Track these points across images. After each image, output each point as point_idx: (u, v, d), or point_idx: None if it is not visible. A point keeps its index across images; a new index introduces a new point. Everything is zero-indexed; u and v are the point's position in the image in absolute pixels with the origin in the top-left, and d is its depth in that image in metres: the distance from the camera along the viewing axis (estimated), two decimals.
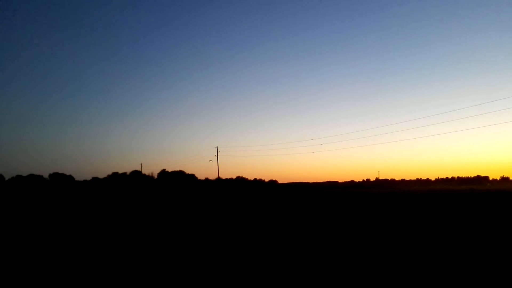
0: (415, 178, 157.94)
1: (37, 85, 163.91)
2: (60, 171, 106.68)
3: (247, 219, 12.76)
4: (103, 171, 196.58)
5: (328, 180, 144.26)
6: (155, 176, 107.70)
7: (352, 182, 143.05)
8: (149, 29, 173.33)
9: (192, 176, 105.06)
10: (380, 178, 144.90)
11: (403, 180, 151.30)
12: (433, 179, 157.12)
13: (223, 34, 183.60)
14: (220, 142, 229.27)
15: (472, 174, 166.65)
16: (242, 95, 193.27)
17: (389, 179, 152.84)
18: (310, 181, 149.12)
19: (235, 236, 8.79)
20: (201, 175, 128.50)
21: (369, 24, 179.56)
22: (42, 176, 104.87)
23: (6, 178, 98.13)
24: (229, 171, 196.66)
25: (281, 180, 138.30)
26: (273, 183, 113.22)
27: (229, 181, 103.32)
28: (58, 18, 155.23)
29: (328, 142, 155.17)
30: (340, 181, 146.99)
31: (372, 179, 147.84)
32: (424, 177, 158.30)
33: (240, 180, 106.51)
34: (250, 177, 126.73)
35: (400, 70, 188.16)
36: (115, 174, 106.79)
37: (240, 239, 8.19)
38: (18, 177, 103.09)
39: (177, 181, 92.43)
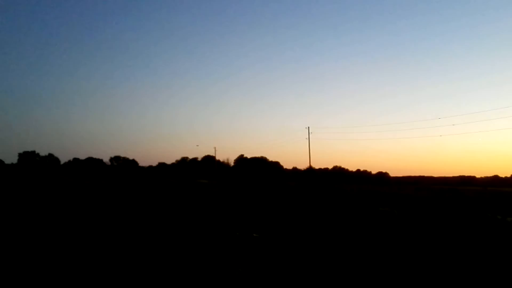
0: None
1: (93, 60, 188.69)
2: (123, 155, 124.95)
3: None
4: (171, 156, 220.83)
5: (460, 174, 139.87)
6: (231, 163, 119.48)
7: (495, 177, 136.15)
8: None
9: (276, 165, 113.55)
10: None
11: None
12: None
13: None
14: (312, 121, 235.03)
15: None
16: (340, 61, 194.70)
17: None
18: (435, 174, 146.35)
19: None
20: (287, 164, 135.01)
21: None
22: (101, 160, 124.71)
23: (62, 162, 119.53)
24: (323, 159, 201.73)
25: (393, 172, 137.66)
26: (382, 176, 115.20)
27: (324, 172, 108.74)
28: None
29: (462, 123, 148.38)
30: (477, 176, 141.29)
31: None
32: None
33: (338, 172, 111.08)
34: (351, 167, 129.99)
35: None
36: (184, 160, 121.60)
37: None
38: (75, 160, 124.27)
39: (258, 171, 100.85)
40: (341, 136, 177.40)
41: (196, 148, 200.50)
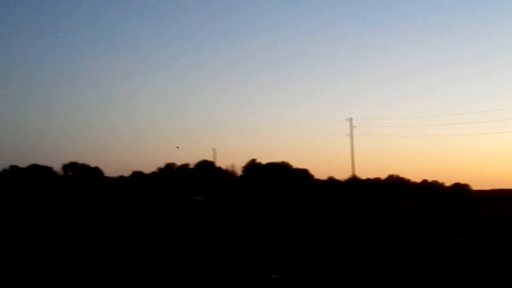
0: None
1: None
2: (81, 162, 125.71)
3: None
4: (151, 162, 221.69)
5: None
6: (238, 172, 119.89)
7: None
8: None
9: (304, 174, 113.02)
10: None
11: None
12: None
13: None
14: (356, 111, 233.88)
15: None
16: (395, 24, 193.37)
17: None
18: None
19: None
20: (320, 172, 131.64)
21: None
22: (50, 168, 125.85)
23: None
24: (373, 165, 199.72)
25: (476, 184, 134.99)
26: (461, 190, 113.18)
27: (374, 184, 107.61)
28: None
29: None
30: None
31: None
32: None
33: (395, 184, 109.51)
34: (415, 177, 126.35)
35: None
36: (169, 168, 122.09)
37: None
38: (13, 168, 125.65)
39: (277, 183, 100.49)
40: (399, 132, 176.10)
41: (188, 151, 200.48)
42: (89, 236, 20.05)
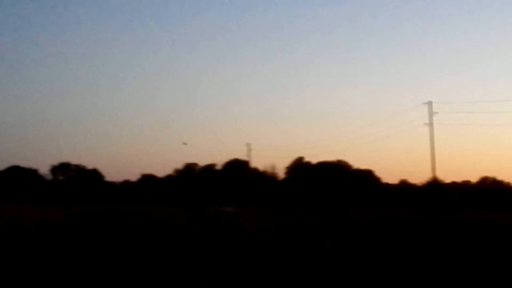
0: None
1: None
2: (75, 162, 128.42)
3: None
4: (165, 163, 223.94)
5: None
6: (280, 175, 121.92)
7: None
8: None
9: (367, 176, 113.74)
10: None
11: None
12: None
13: None
14: (437, 93, 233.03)
15: None
16: None
17: None
18: None
19: None
20: (388, 174, 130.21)
21: None
22: (35, 171, 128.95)
23: None
24: (458, 163, 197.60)
25: None
26: None
27: (463, 189, 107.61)
28: None
29: None
30: None
31: None
32: None
33: (491, 189, 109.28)
34: None
35: None
36: (189, 170, 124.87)
37: None
38: None
39: (333, 187, 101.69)
40: (494, 119, 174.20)
41: (211, 146, 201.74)
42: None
